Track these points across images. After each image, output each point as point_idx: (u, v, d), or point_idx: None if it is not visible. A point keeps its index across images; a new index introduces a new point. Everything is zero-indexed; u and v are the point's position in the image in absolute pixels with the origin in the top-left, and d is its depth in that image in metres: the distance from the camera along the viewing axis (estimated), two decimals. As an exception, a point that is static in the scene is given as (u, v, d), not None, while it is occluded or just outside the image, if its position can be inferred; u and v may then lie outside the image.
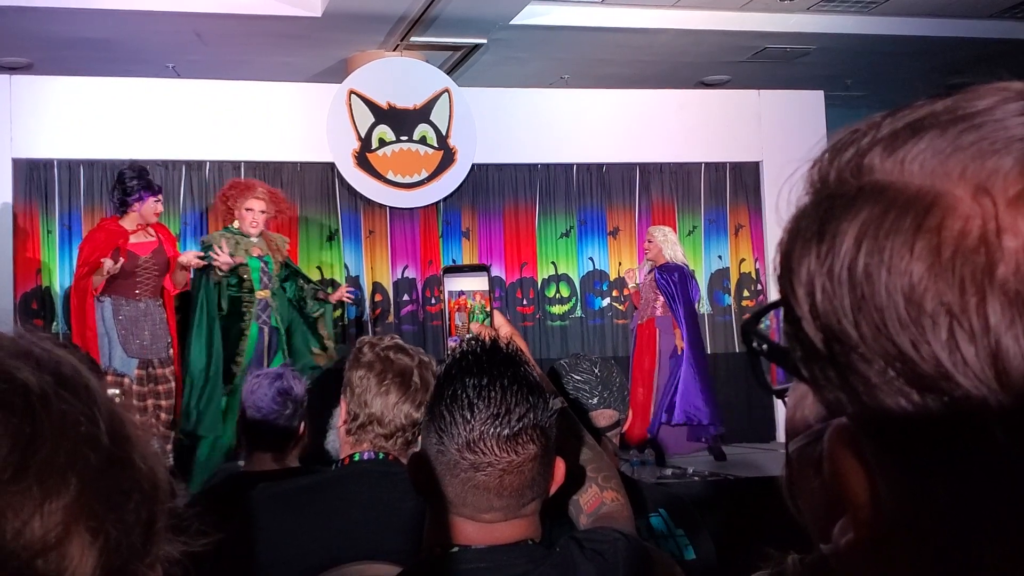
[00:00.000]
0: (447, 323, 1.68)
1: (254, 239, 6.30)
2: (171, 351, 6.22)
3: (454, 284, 1.68)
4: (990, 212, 0.44)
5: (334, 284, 7.87)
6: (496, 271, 8.10)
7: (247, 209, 6.29)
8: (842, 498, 0.49)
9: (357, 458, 2.10)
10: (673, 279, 7.33)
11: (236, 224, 6.35)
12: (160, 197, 6.24)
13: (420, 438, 2.22)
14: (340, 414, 2.16)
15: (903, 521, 0.46)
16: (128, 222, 6.11)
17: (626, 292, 8.22)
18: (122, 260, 5.84)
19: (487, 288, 1.70)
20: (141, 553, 0.56)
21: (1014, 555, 0.43)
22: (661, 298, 7.36)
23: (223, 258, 6.12)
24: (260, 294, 6.28)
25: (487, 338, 1.45)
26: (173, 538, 0.60)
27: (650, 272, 7.48)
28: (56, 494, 0.52)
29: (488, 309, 1.69)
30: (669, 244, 7.48)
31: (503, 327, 1.69)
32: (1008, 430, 0.42)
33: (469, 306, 1.68)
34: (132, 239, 6.08)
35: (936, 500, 0.45)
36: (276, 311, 6.36)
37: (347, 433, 2.14)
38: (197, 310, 6.19)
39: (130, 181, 6.09)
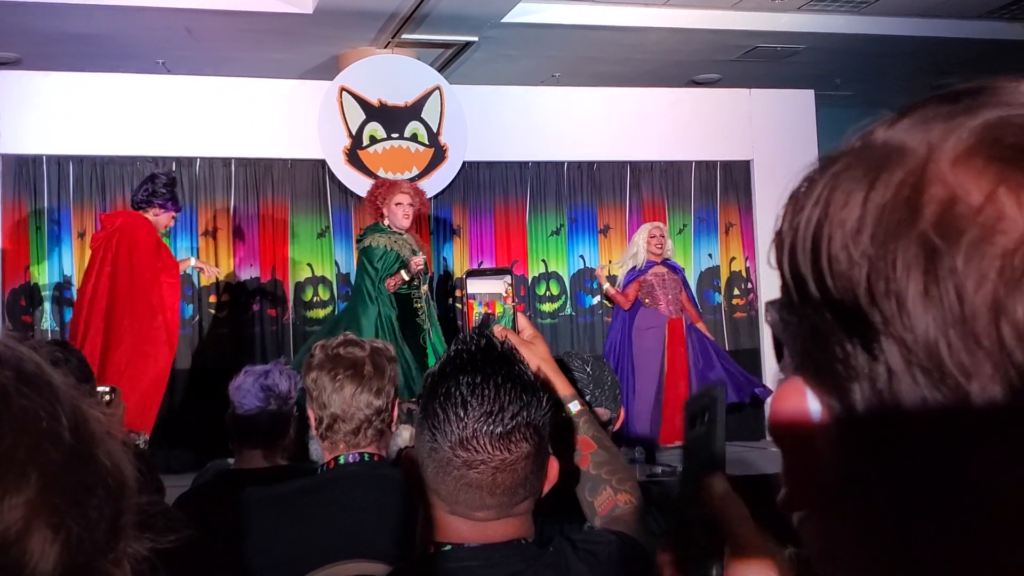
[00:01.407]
0: (466, 324, 1.69)
1: (406, 235, 6.42)
2: None
3: (475, 286, 1.69)
4: (932, 166, 0.43)
5: (324, 281, 7.87)
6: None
7: (396, 204, 6.40)
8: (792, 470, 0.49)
9: (342, 460, 2.10)
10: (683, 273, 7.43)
11: (386, 222, 6.44)
12: (176, 215, 6.40)
13: (396, 427, 2.23)
14: (311, 422, 2.18)
15: (848, 494, 0.46)
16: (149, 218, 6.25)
17: (610, 290, 7.66)
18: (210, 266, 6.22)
19: (512, 290, 1.71)
20: (105, 549, 0.55)
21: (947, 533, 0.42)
22: (680, 294, 7.39)
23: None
24: (424, 290, 6.45)
25: (507, 340, 1.46)
26: (140, 535, 0.59)
27: (652, 267, 7.41)
28: (16, 489, 0.51)
29: (499, 311, 1.69)
30: (670, 246, 7.57)
31: (526, 329, 1.70)
32: (925, 388, 0.42)
33: (492, 306, 1.69)
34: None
35: (876, 467, 0.44)
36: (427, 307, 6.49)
37: (321, 438, 2.15)
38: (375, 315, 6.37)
39: (162, 187, 6.24)
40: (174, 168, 7.70)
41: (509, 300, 1.70)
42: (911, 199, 0.43)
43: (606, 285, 7.66)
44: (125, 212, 6.48)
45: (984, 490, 0.41)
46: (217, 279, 7.33)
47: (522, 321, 1.71)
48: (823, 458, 0.47)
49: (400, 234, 6.44)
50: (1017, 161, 0.42)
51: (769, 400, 0.62)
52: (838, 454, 0.46)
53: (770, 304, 0.51)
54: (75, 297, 7.44)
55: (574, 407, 1.73)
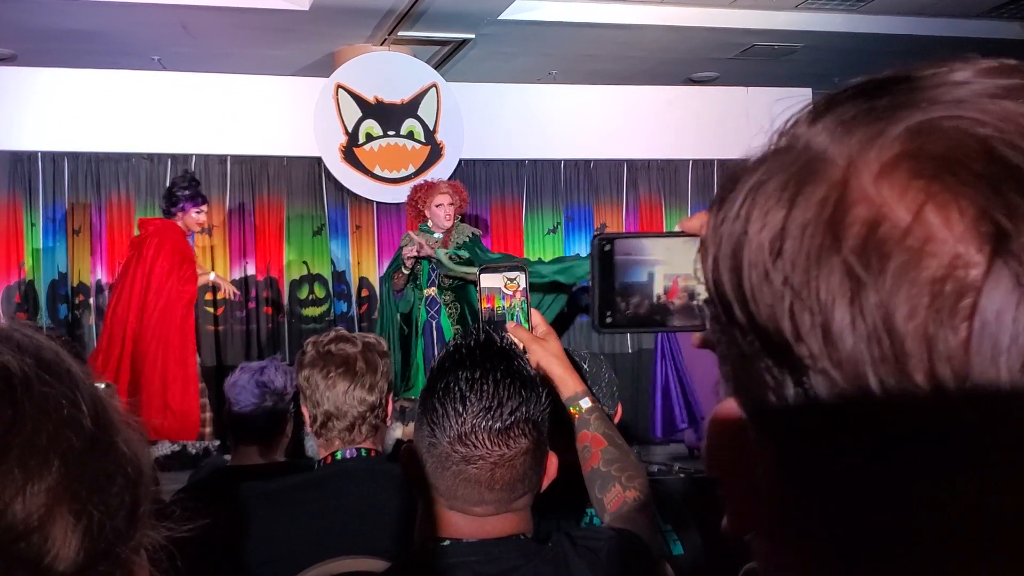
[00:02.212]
0: (482, 320, 1.69)
1: (438, 235, 6.47)
2: None
3: (489, 281, 1.69)
4: (854, 181, 0.40)
5: (320, 279, 7.85)
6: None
7: (437, 205, 6.47)
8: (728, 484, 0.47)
9: (339, 456, 2.10)
10: None
11: (429, 223, 6.53)
12: (203, 208, 6.42)
13: (391, 422, 2.23)
14: (306, 420, 2.17)
15: (781, 507, 0.44)
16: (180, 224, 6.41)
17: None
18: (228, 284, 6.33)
19: (524, 286, 1.70)
20: (125, 537, 0.55)
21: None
22: None
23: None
24: (426, 291, 6.48)
25: (518, 337, 1.45)
26: (157, 524, 0.59)
27: None
28: (38, 476, 0.51)
29: (515, 306, 1.69)
30: None
31: (539, 325, 1.69)
32: (839, 409, 0.39)
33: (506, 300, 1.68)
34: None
35: (807, 485, 0.42)
36: (449, 308, 6.47)
37: (316, 436, 2.14)
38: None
39: (179, 191, 6.35)
40: (170, 165, 7.69)
41: (517, 296, 1.69)
42: (832, 220, 0.40)
43: None
44: (160, 220, 6.59)
45: (915, 532, 0.39)
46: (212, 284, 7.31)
47: (535, 317, 1.70)
48: (759, 483, 0.45)
49: (431, 233, 6.51)
50: (943, 174, 0.39)
51: (705, 422, 0.59)
52: (772, 482, 0.44)
53: (705, 307, 0.47)
54: (70, 294, 7.45)
55: (585, 403, 1.72)
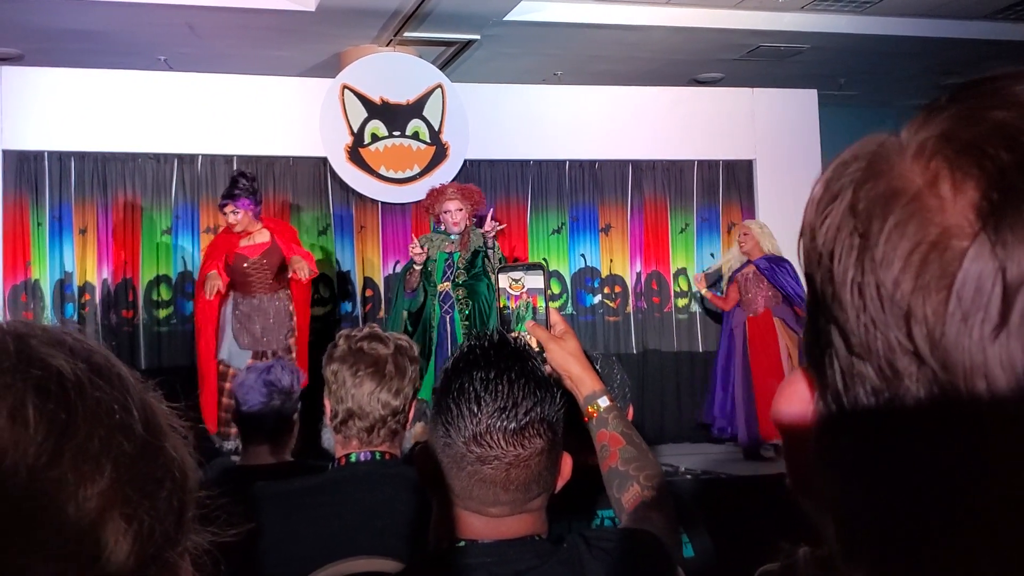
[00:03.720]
0: (499, 318, 1.69)
1: (453, 236, 6.59)
2: (291, 340, 6.58)
3: (500, 282, 1.69)
4: (894, 159, 0.43)
5: (324, 279, 7.86)
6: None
7: (445, 211, 6.61)
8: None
9: (353, 459, 2.09)
10: (786, 268, 7.39)
11: (442, 227, 6.67)
12: (228, 204, 6.46)
13: (409, 427, 2.22)
14: (326, 413, 2.16)
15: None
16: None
17: (709, 296, 8.02)
18: (219, 286, 6.32)
19: (542, 286, 1.70)
20: (173, 541, 0.56)
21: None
22: (767, 291, 7.36)
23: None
24: (440, 287, 6.58)
25: (536, 336, 1.44)
26: (201, 528, 0.60)
27: (745, 266, 7.47)
28: (91, 480, 0.52)
29: (536, 306, 1.69)
30: (766, 236, 7.53)
31: (558, 324, 1.69)
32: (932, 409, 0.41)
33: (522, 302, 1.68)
34: (243, 243, 6.51)
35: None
36: (464, 304, 6.54)
37: (335, 431, 2.13)
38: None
39: (233, 188, 6.49)
40: (176, 165, 7.69)
41: (524, 297, 1.69)
42: (857, 190, 0.43)
43: (706, 292, 7.86)
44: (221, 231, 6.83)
45: (927, 498, 0.41)
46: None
47: (554, 316, 1.70)
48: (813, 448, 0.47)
49: (447, 236, 6.63)
50: (964, 155, 0.41)
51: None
52: (816, 447, 0.46)
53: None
54: (76, 294, 7.46)
55: (603, 402, 1.72)
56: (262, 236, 6.54)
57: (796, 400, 0.48)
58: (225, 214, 6.47)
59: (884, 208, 0.42)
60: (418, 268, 6.53)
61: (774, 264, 7.43)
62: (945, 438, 0.40)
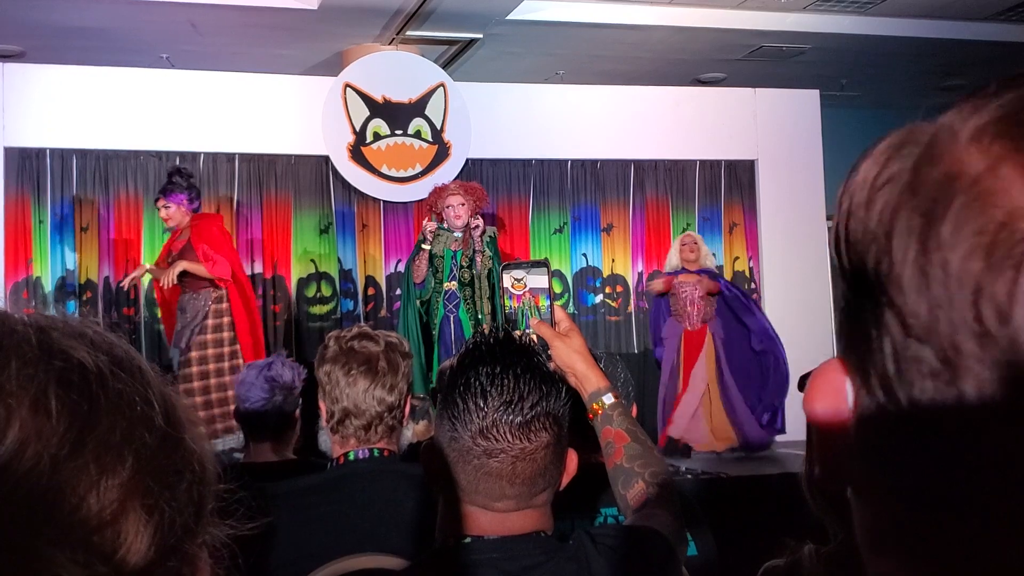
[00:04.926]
0: (502, 317, 1.69)
1: (457, 234, 6.63)
2: (207, 338, 6.33)
3: (504, 280, 1.69)
4: (948, 143, 0.43)
5: (327, 277, 7.87)
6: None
7: (447, 207, 6.64)
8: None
9: (352, 457, 2.09)
10: (740, 289, 7.43)
11: (446, 224, 6.69)
12: (159, 199, 6.47)
13: (410, 423, 2.22)
14: (322, 414, 2.16)
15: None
16: None
17: (654, 289, 7.85)
18: (136, 278, 6.40)
19: (546, 284, 1.70)
20: (192, 533, 0.56)
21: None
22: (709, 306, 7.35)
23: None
24: (446, 285, 6.63)
25: (541, 333, 1.44)
26: (220, 522, 0.60)
27: (682, 273, 7.42)
28: (112, 471, 0.52)
29: (538, 304, 1.69)
30: (706, 252, 7.53)
31: (563, 321, 1.69)
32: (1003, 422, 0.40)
33: (527, 301, 1.68)
34: (179, 239, 6.43)
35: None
36: (469, 304, 6.56)
37: (331, 432, 2.13)
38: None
39: (161, 187, 6.51)
40: (177, 163, 7.69)
41: (527, 296, 1.69)
42: (916, 172, 0.43)
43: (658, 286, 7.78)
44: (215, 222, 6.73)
45: (986, 487, 0.40)
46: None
47: (559, 314, 1.70)
48: (851, 439, 0.46)
49: (450, 232, 6.65)
50: None
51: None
52: (859, 436, 0.46)
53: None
54: (77, 291, 7.46)
55: (608, 399, 1.72)
56: (187, 234, 6.45)
57: (830, 389, 0.47)
58: (158, 209, 6.48)
59: (947, 190, 0.41)
60: (426, 248, 6.57)
61: (740, 295, 7.46)
62: (1009, 422, 0.39)
